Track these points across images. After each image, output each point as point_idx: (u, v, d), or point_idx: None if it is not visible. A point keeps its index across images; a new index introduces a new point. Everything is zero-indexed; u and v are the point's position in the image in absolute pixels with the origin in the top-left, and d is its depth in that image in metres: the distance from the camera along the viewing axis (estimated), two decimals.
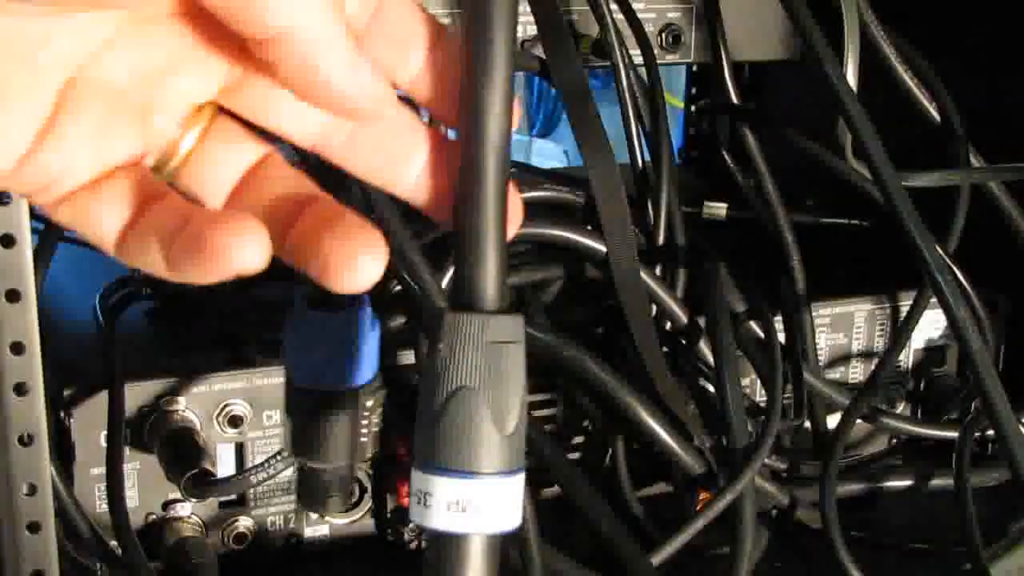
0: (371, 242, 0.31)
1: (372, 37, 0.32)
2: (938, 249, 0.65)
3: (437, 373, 0.32)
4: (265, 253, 0.29)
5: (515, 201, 0.33)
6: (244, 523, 0.65)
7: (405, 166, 0.33)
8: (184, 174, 0.33)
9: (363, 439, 0.38)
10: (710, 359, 0.66)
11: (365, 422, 0.36)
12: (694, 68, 1.05)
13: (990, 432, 0.73)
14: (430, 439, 0.32)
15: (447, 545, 0.32)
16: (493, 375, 0.32)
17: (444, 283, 0.59)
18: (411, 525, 0.66)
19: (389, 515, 0.67)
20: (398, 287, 0.64)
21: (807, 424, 0.71)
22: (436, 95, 0.33)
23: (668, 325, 0.67)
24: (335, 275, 0.31)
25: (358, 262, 0.30)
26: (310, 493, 0.39)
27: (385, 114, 0.31)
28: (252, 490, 0.65)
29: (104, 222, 0.31)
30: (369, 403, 0.36)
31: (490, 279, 0.32)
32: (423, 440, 0.32)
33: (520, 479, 0.33)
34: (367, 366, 0.37)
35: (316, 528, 0.67)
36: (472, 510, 0.31)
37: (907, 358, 0.78)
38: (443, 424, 0.31)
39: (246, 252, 0.29)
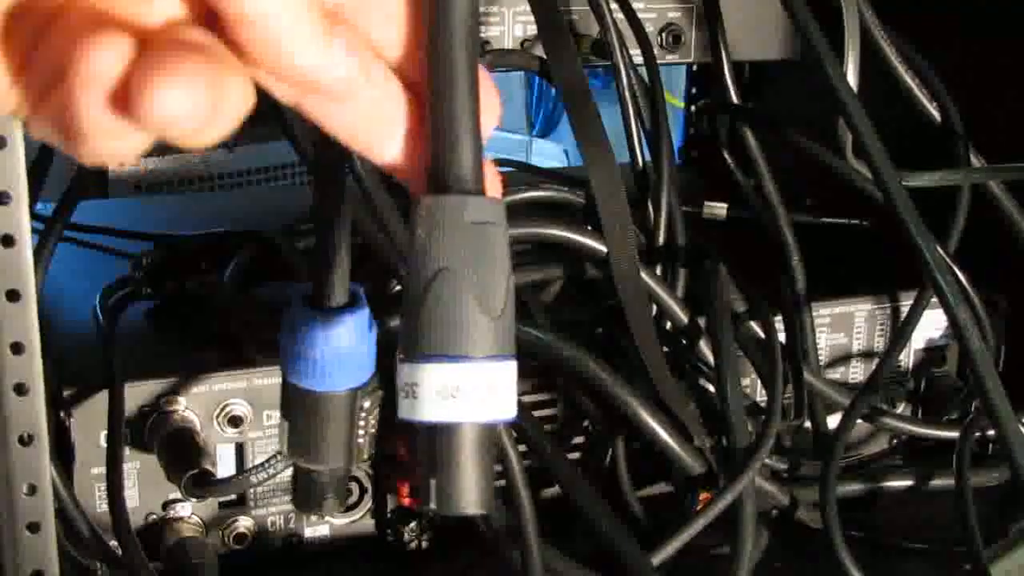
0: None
1: (358, 10, 0.31)
2: (938, 249, 0.65)
3: (416, 258, 0.30)
4: None
5: (489, 89, 0.31)
6: (244, 523, 0.65)
7: (386, 134, 0.32)
8: None
9: (360, 441, 0.38)
10: (710, 359, 0.66)
11: (362, 424, 0.35)
12: (694, 68, 1.05)
13: (990, 432, 0.73)
14: (413, 327, 0.30)
15: (438, 435, 0.30)
16: (476, 255, 0.30)
17: None
18: (411, 525, 0.66)
19: (389, 515, 0.67)
20: (398, 287, 0.64)
21: (807, 424, 0.71)
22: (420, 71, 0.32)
23: (668, 325, 0.67)
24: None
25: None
26: (305, 494, 0.39)
27: (358, 95, 0.30)
28: (252, 490, 0.65)
29: None
30: (366, 404, 0.35)
31: (466, 160, 0.30)
32: (407, 331, 0.30)
33: (512, 366, 0.31)
34: (364, 367, 0.37)
35: (316, 528, 0.67)
36: (462, 396, 0.29)
37: (907, 358, 0.78)
38: (425, 310, 0.30)
39: None
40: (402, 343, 0.30)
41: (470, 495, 0.30)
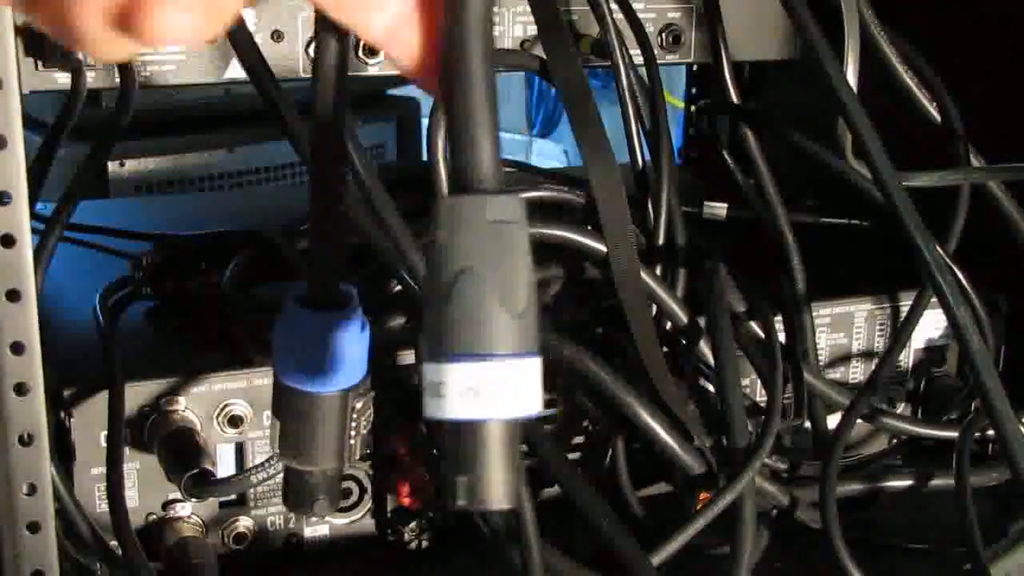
0: None
1: None
2: (938, 249, 0.65)
3: (438, 259, 0.30)
4: None
5: None
6: (244, 523, 0.65)
7: (376, 11, 0.32)
8: None
9: (351, 441, 0.38)
10: (710, 359, 0.66)
11: (354, 424, 0.36)
12: (694, 68, 1.05)
13: (990, 432, 0.73)
14: (437, 327, 0.30)
15: (464, 433, 0.30)
16: (497, 254, 0.31)
17: None
18: (411, 525, 0.66)
19: (389, 515, 0.67)
20: (398, 287, 0.64)
21: (807, 424, 0.71)
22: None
23: (668, 325, 0.67)
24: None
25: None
26: (296, 495, 0.39)
27: None
28: (252, 490, 0.65)
29: None
30: (358, 405, 0.35)
31: (485, 159, 0.31)
32: (431, 330, 0.31)
33: (536, 363, 0.31)
34: (356, 368, 0.37)
35: (316, 528, 0.67)
36: (487, 394, 0.30)
37: (907, 358, 0.78)
38: (448, 309, 0.30)
39: None
40: (426, 343, 0.31)
41: (497, 490, 0.31)
